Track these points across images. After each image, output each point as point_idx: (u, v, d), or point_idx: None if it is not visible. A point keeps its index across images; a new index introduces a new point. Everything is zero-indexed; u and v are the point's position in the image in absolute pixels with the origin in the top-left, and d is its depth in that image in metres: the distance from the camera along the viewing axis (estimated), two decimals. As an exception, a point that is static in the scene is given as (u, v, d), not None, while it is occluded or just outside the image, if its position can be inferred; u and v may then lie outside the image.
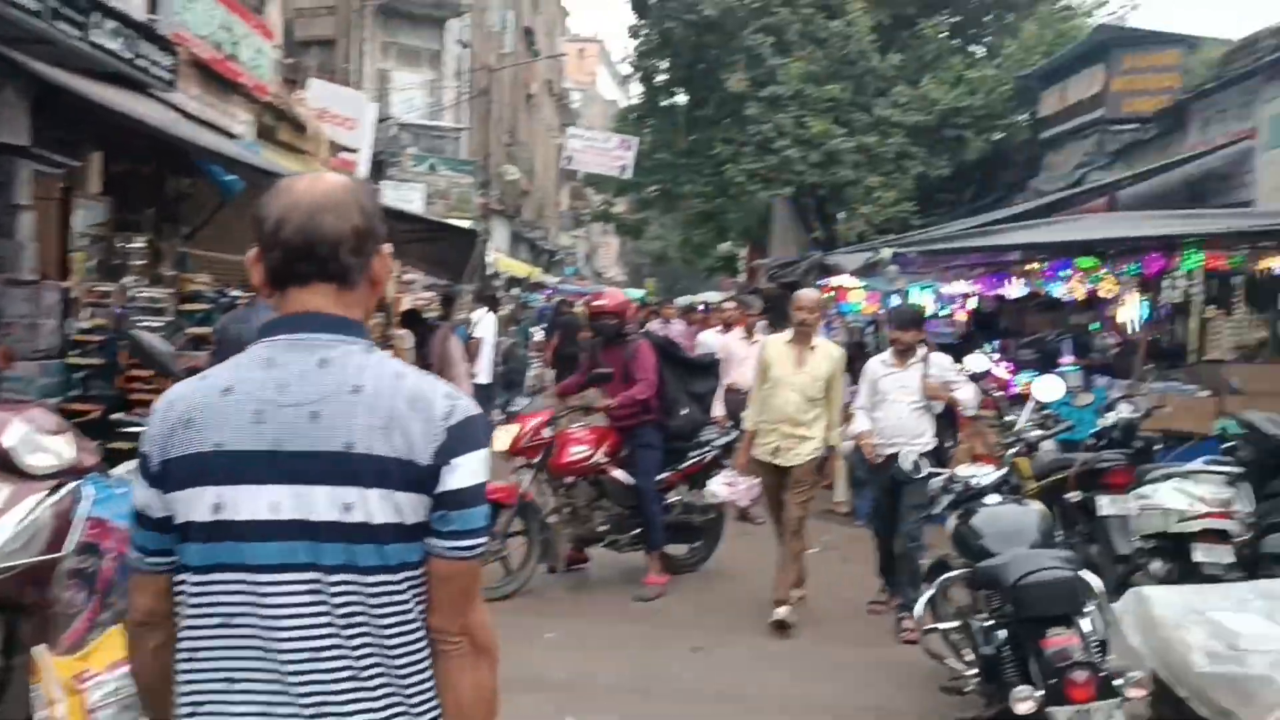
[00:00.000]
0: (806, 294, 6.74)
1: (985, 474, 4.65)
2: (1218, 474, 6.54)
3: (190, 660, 1.65)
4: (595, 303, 7.34)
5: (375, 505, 1.59)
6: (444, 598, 1.67)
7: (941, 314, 11.67)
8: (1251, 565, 6.51)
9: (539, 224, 43.84)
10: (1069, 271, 10.30)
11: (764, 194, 18.27)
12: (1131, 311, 14.66)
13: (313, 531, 1.59)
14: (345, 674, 1.60)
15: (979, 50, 20.90)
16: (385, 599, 1.62)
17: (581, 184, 55.56)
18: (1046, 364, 10.89)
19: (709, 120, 21.07)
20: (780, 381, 6.31)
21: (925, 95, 18.16)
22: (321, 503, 1.59)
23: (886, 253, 8.39)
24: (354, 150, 16.93)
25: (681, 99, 25.40)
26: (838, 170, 17.88)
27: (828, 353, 6.45)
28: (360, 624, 1.61)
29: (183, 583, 1.67)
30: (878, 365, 6.55)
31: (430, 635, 1.67)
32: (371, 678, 1.61)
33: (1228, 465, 6.56)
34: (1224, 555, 6.36)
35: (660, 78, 22.86)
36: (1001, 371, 10.32)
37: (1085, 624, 3.72)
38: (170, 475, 1.65)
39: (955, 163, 18.70)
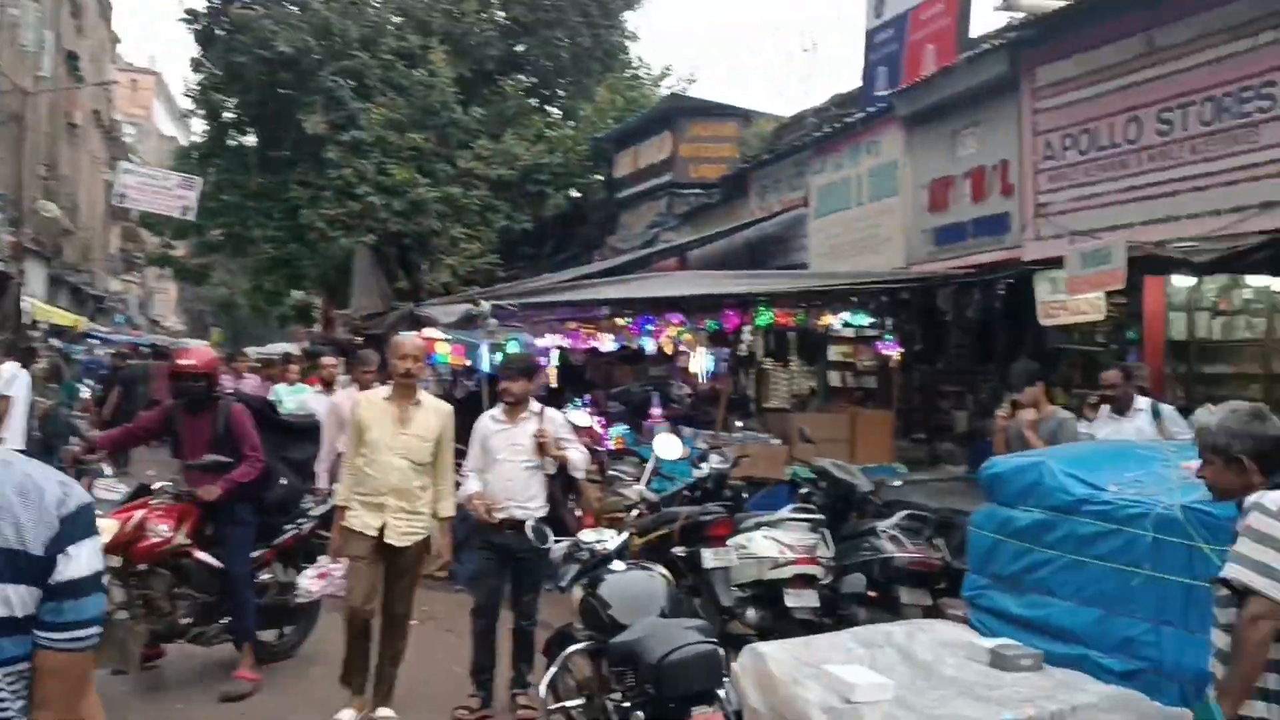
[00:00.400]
0: (407, 339, 5.70)
1: (609, 539, 4.46)
2: (802, 521, 6.89)
3: None
4: (181, 361, 6.12)
5: None
6: (57, 691, 1.62)
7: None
8: (832, 606, 6.94)
9: (84, 267, 39.42)
10: (652, 326, 10.68)
11: (345, 241, 17.48)
12: (700, 364, 15.63)
13: None
14: None
15: (554, 111, 21.57)
16: None
17: (136, 224, 50.94)
18: (636, 415, 11.20)
19: (285, 162, 19.95)
20: (380, 445, 5.30)
21: (508, 150, 18.37)
22: None
23: (486, 305, 8.15)
24: None
25: (251, 139, 24.01)
26: (422, 220, 17.54)
27: (435, 408, 5.52)
28: None
29: None
30: (488, 422, 5.77)
31: None
32: None
33: (811, 512, 6.94)
34: (811, 599, 6.69)
35: (228, 114, 21.37)
36: (597, 426, 10.43)
37: (724, 695, 3.59)
38: None
39: (537, 217, 19.05)
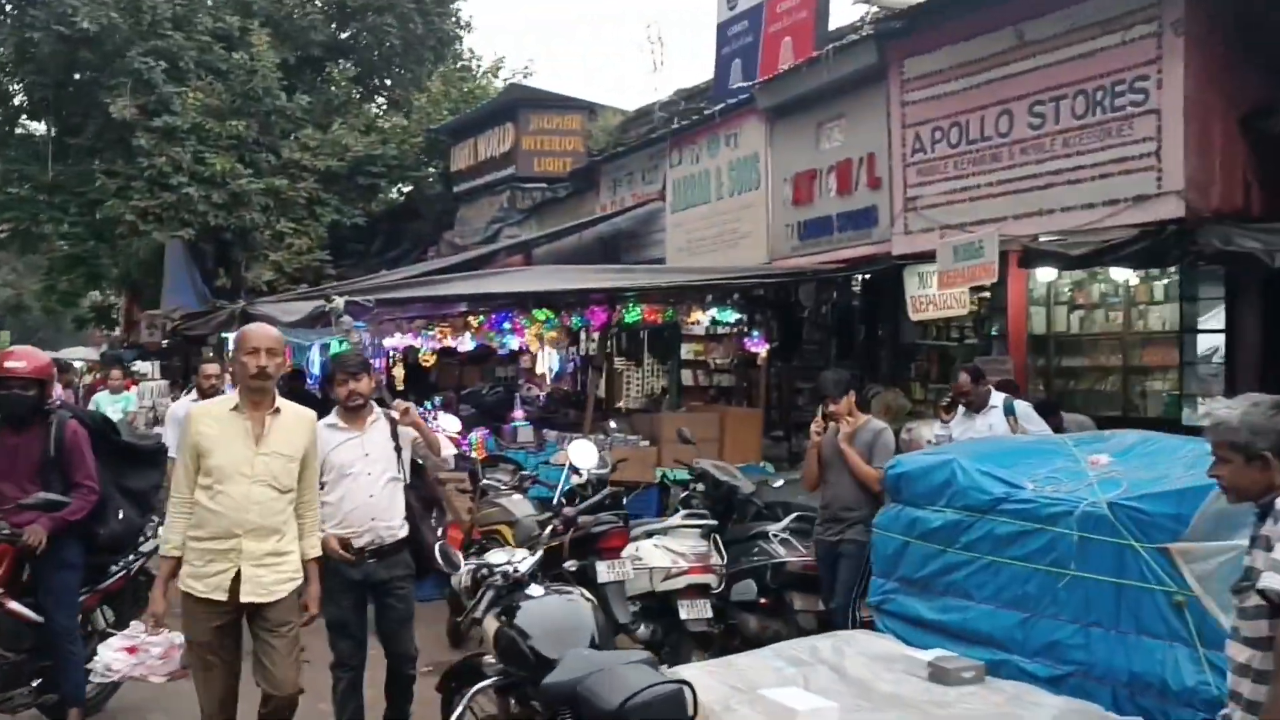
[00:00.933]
0: (258, 330, 4.37)
1: (520, 559, 3.95)
2: (693, 527, 6.53)
3: None
4: (6, 364, 4.89)
5: None
6: None
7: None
8: (720, 614, 6.61)
9: None
10: (509, 324, 10.15)
11: (158, 235, 16.15)
12: (547, 363, 15.14)
13: None
14: None
15: (381, 102, 20.66)
16: None
17: (-95, 219, 46.55)
18: (490, 418, 10.63)
19: (86, 150, 18.31)
20: (231, 472, 4.07)
21: (337, 141, 17.38)
22: None
23: (339, 300, 7.43)
24: None
25: (42, 127, 22.12)
26: (244, 212, 16.38)
27: (298, 416, 4.30)
28: None
29: None
30: (328, 433, 4.73)
31: None
32: None
33: (703, 518, 6.59)
34: (705, 610, 6.34)
35: (18, 99, 19.47)
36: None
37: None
38: None
39: (368, 212, 18.13)
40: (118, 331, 35.68)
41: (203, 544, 4.07)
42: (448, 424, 7.03)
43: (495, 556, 4.01)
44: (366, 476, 4.76)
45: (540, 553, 4.14)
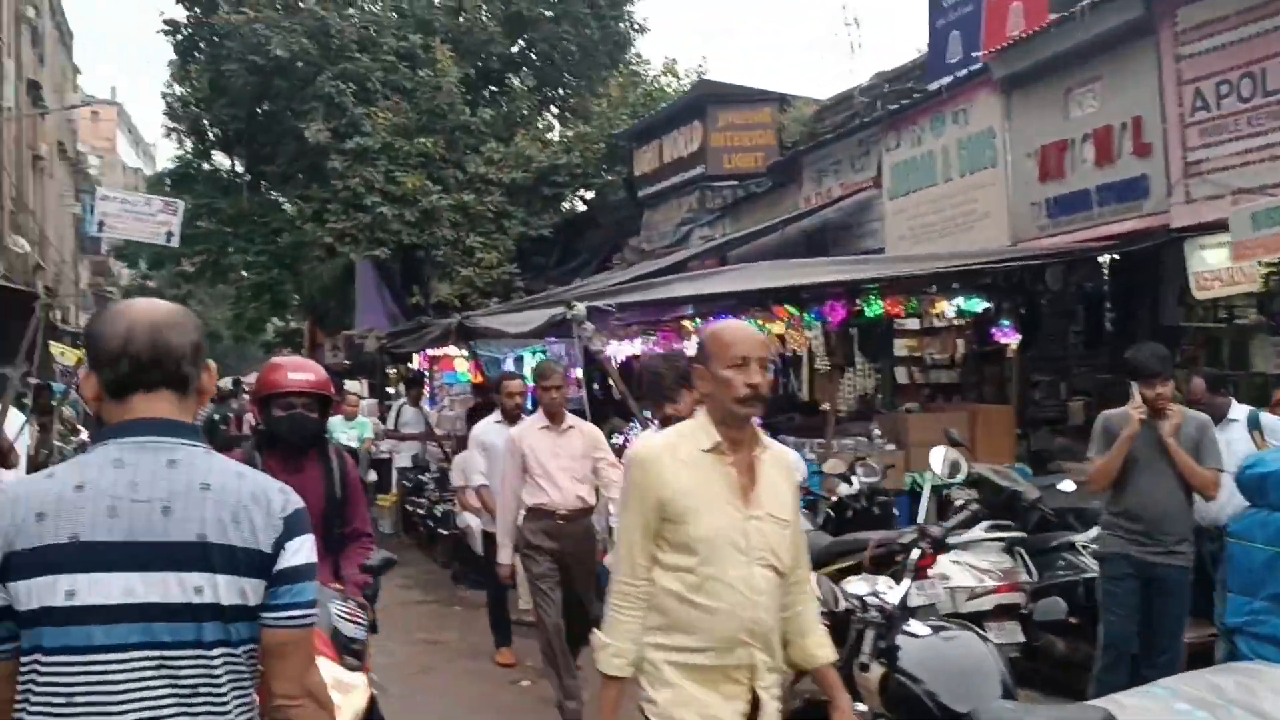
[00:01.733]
0: (744, 333, 2.76)
1: (887, 589, 3.37)
2: (995, 541, 5.85)
3: None
4: (294, 376, 3.91)
5: (223, 588, 1.82)
6: (286, 665, 1.89)
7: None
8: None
9: (56, 303, 37.98)
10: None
11: (354, 255, 16.32)
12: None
13: (163, 613, 1.79)
14: None
15: (558, 110, 20.51)
16: (227, 671, 1.85)
17: (106, 257, 49.45)
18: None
19: (279, 177, 18.76)
20: (719, 547, 2.63)
21: (521, 152, 17.27)
22: (174, 587, 1.80)
23: (580, 308, 7.01)
24: None
25: (225, 160, 23.00)
26: (436, 230, 16.40)
27: (776, 457, 2.81)
28: (204, 695, 1.82)
29: (31, 666, 1.80)
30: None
31: (276, 703, 1.90)
32: None
33: (1007, 530, 5.90)
34: (1015, 633, 5.65)
35: (213, 131, 20.11)
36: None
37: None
38: (14, 566, 1.78)
39: (555, 222, 17.95)
40: (300, 355, 37.07)
41: (688, 657, 2.62)
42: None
43: (856, 586, 3.43)
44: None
45: (908, 583, 3.50)
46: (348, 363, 27.53)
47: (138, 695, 1.77)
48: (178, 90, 20.47)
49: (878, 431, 8.55)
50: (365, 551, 4.05)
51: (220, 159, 24.35)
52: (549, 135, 17.95)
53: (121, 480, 1.82)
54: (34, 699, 1.78)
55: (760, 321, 8.87)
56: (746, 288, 7.76)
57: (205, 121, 19.88)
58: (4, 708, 1.82)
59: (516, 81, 18.28)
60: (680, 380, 4.08)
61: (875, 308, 8.15)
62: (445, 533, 10.45)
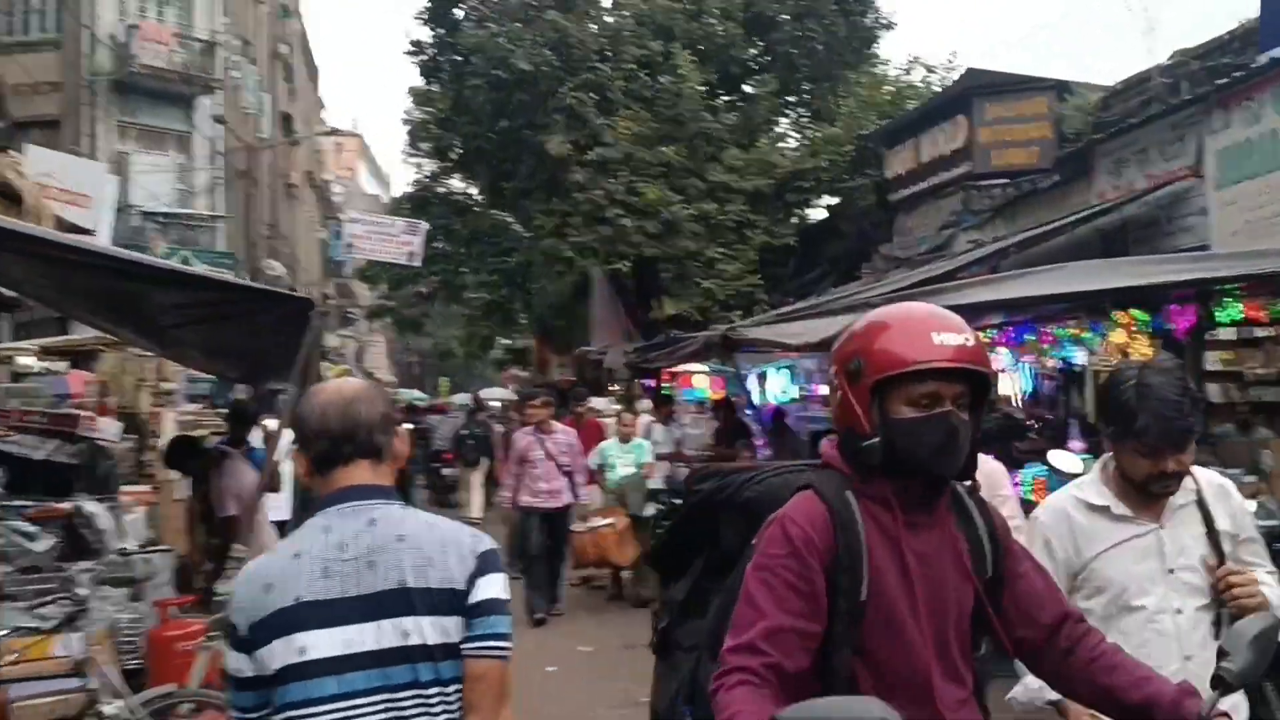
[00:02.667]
0: None
1: None
2: None
3: None
4: (942, 339, 1.93)
5: (428, 629, 2.01)
6: (481, 697, 2.04)
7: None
8: None
9: (333, 310, 40.02)
10: (1033, 336, 8.43)
11: (595, 270, 15.90)
12: (1016, 382, 13.15)
13: (381, 658, 1.99)
14: None
15: (803, 112, 19.55)
16: (443, 707, 2.02)
17: (349, 279, 52.02)
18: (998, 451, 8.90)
19: (517, 192, 18.63)
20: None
21: (764, 158, 16.44)
22: (387, 633, 1.99)
23: None
24: (89, 231, 13.35)
25: (460, 184, 23.37)
26: (677, 241, 15.78)
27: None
28: None
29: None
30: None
31: None
32: None
33: None
34: None
35: (454, 152, 20.23)
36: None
37: None
38: (258, 636, 2.00)
39: (800, 230, 17.03)
40: (527, 372, 37.53)
41: None
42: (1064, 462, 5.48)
43: None
44: None
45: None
46: (573, 379, 27.51)
47: None
48: (418, 115, 20.79)
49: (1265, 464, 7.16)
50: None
51: (455, 183, 24.84)
52: (791, 139, 17.02)
53: (330, 544, 2.03)
54: None
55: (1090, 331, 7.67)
56: (1076, 288, 6.58)
57: (447, 142, 20.02)
58: None
59: (758, 86, 17.43)
60: None
61: (1232, 312, 6.81)
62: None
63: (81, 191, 13.70)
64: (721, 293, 15.92)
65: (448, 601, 2.01)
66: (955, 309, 1.98)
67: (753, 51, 18.55)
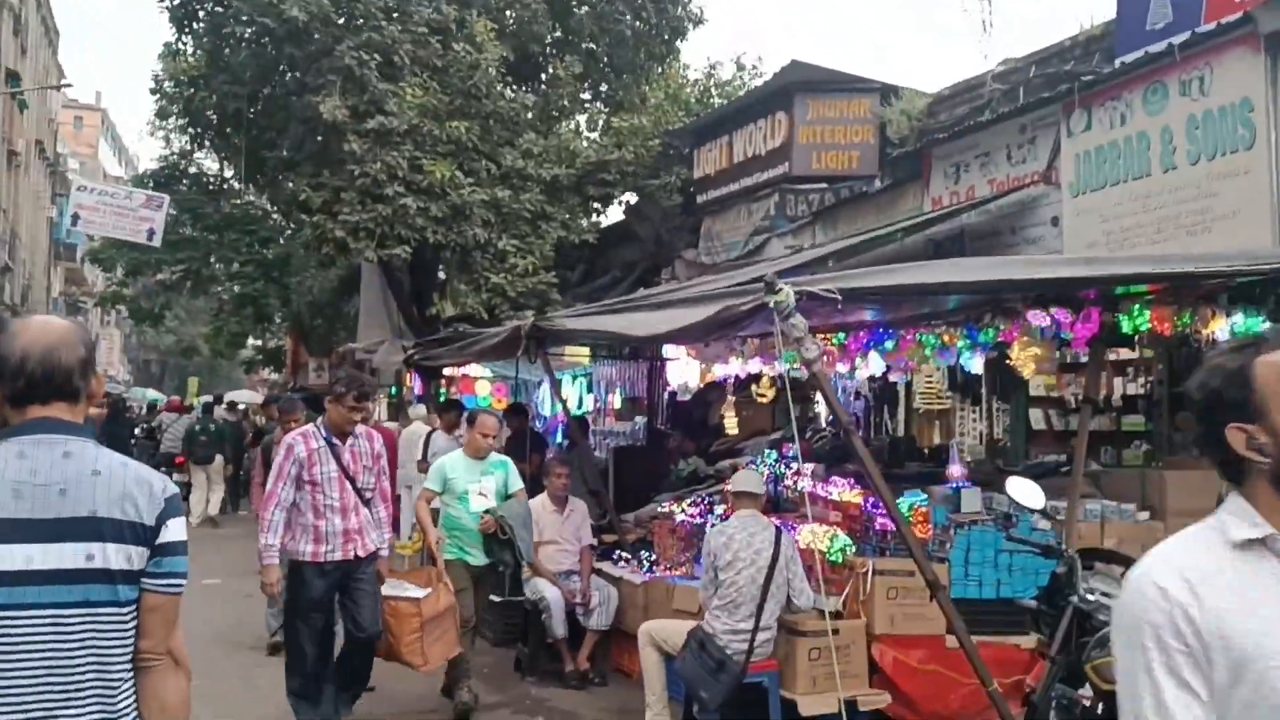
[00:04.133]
0: None
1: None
2: None
3: None
4: None
5: (112, 555, 2.22)
6: (154, 625, 2.29)
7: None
8: None
9: (25, 308, 35.40)
10: (893, 343, 7.35)
11: (370, 254, 13.93)
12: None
13: (56, 577, 2.17)
14: (66, 689, 2.17)
15: (602, 105, 18.24)
16: (116, 627, 2.24)
17: (80, 265, 46.88)
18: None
19: (284, 163, 16.36)
20: None
21: (565, 145, 14.98)
22: (69, 555, 2.18)
23: (786, 290, 4.62)
24: None
25: (213, 164, 21.08)
26: (466, 228, 14.05)
27: None
28: (89, 648, 2.20)
29: None
30: None
31: (139, 656, 2.29)
32: (84, 691, 2.19)
33: None
34: None
35: (207, 115, 17.63)
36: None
37: None
38: None
39: (598, 227, 15.65)
40: (280, 374, 34.56)
41: None
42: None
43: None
44: None
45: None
46: (332, 382, 25.14)
47: (34, 647, 2.16)
48: (167, 75, 18.17)
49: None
50: None
51: (208, 163, 22.30)
52: (593, 130, 15.64)
53: (24, 469, 2.21)
54: None
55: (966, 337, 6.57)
56: (995, 278, 5.41)
57: (199, 105, 17.45)
58: None
59: (560, 67, 15.94)
60: None
61: (1140, 320, 5.86)
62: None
63: None
64: (512, 289, 14.29)
65: (134, 533, 2.24)
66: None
67: (556, 35, 17.08)
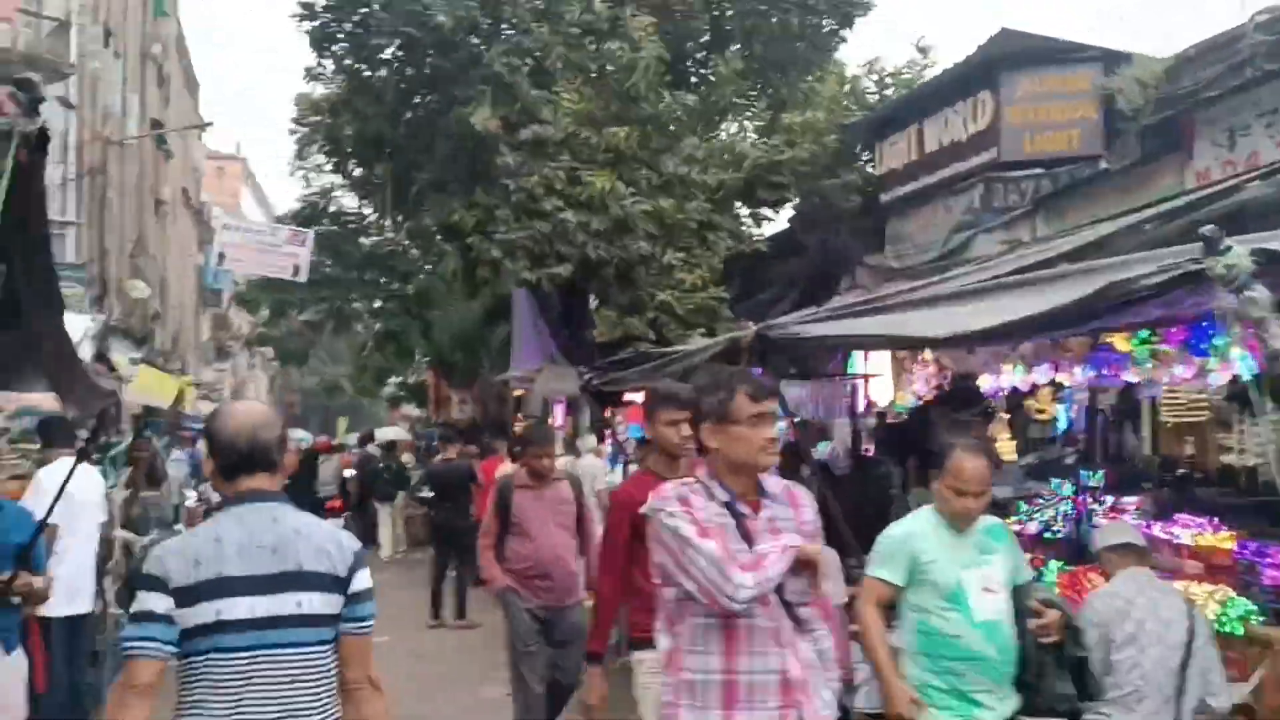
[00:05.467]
0: None
1: None
2: None
3: (196, 713, 2.61)
4: None
5: (317, 602, 2.68)
6: (355, 659, 2.76)
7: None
8: None
9: (175, 354, 35.85)
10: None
11: (528, 275, 12.84)
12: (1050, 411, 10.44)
13: (278, 623, 2.63)
14: (287, 714, 2.63)
15: (761, 106, 16.85)
16: (320, 660, 2.70)
17: (225, 310, 47.80)
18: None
19: (432, 185, 15.47)
20: None
21: (730, 147, 13.67)
22: (285, 604, 2.64)
23: (1238, 252, 3.13)
24: None
25: (351, 203, 20.73)
26: (630, 242, 12.83)
27: None
28: (305, 680, 2.66)
29: (188, 663, 2.62)
30: None
31: (345, 684, 2.75)
32: (300, 715, 2.65)
33: None
34: None
35: (349, 134, 16.89)
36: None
37: None
38: (183, 599, 2.59)
39: (772, 236, 14.27)
40: (422, 410, 34.11)
41: None
42: None
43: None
44: None
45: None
46: (476, 419, 24.40)
47: (263, 682, 2.60)
48: (308, 101, 17.58)
49: None
50: None
51: (347, 200, 21.91)
52: (756, 129, 14.28)
53: (244, 533, 2.67)
54: (196, 689, 2.61)
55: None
56: None
57: (340, 132, 16.74)
58: (156, 690, 2.59)
59: (722, 63, 14.62)
60: None
61: None
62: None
63: None
64: (680, 306, 13.00)
65: (331, 582, 2.68)
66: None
67: (723, 24, 15.81)
